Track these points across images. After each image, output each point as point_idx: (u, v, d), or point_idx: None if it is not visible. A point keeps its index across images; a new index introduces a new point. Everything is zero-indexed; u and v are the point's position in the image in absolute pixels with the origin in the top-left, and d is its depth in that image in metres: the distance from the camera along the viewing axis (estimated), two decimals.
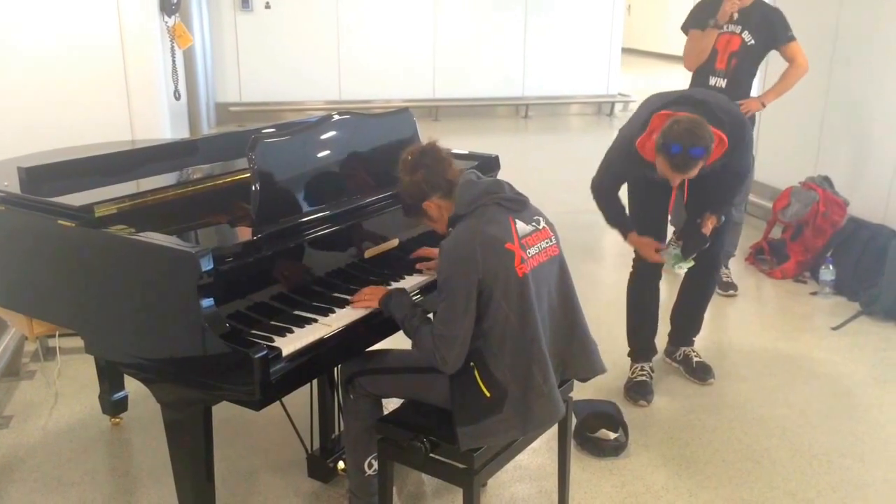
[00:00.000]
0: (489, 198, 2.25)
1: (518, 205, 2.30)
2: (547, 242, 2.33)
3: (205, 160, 2.82)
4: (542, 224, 2.35)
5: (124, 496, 2.81)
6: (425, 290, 2.57)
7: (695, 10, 4.32)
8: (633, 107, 11.65)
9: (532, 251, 2.26)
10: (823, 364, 3.87)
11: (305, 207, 2.44)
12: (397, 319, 2.31)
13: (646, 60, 16.25)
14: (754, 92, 4.55)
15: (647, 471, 2.98)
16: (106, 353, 2.37)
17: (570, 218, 6.28)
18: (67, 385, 3.54)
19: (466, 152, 3.28)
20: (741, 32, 4.15)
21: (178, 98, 4.14)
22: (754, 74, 4.33)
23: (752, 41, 4.14)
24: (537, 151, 9.14)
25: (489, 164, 3.17)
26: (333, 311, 2.34)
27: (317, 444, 2.89)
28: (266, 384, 2.00)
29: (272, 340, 2.13)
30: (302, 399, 2.76)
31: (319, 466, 2.84)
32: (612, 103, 11.21)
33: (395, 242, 2.71)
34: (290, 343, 2.14)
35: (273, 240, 2.27)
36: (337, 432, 2.90)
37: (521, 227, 2.26)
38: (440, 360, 2.19)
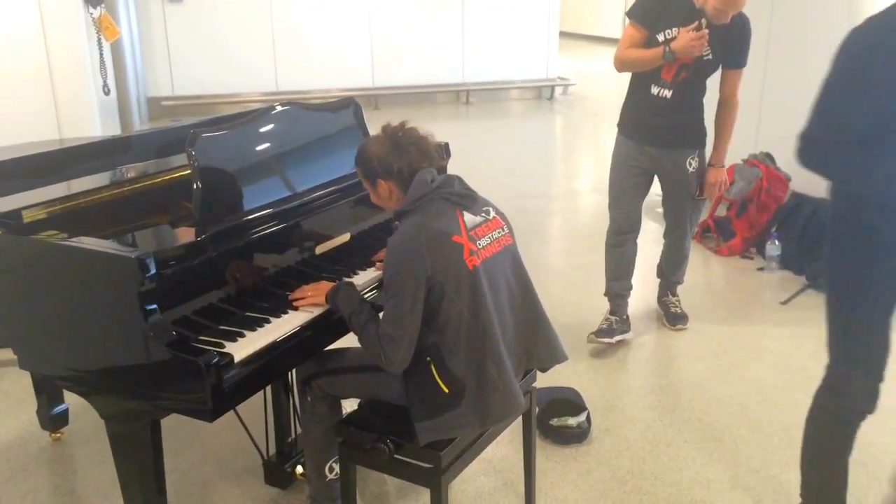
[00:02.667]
0: (436, 193, 2.17)
1: (467, 199, 2.22)
2: (499, 232, 2.26)
3: (139, 158, 2.66)
4: (493, 214, 2.28)
5: None
6: (379, 286, 2.48)
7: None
8: (573, 90, 11.72)
9: (483, 242, 2.19)
10: (775, 339, 3.91)
11: (251, 204, 2.32)
12: (344, 315, 2.21)
13: (583, 44, 16.32)
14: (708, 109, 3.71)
15: (611, 456, 2.95)
16: (41, 368, 2.22)
17: (516, 203, 6.26)
18: (1, 400, 3.35)
19: None
20: None
21: (107, 93, 3.91)
22: (703, 92, 3.61)
23: (710, 56, 3.42)
24: (480, 137, 9.08)
25: (445, 152, 3.07)
26: (286, 312, 2.24)
27: (273, 450, 2.78)
28: (218, 393, 1.89)
29: (222, 346, 2.02)
30: (255, 403, 2.63)
31: (277, 472, 2.73)
32: (552, 87, 11.22)
33: (346, 237, 2.61)
34: (242, 348, 2.03)
35: (218, 240, 2.15)
36: (294, 435, 2.79)
37: (470, 218, 2.19)
38: (385, 360, 2.11)
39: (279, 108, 2.52)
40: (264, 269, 2.31)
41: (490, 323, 2.15)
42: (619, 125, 3.79)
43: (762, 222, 5.01)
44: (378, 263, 2.59)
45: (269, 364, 2.09)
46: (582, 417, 3.08)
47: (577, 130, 9.91)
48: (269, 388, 2.68)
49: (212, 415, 1.91)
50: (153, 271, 1.88)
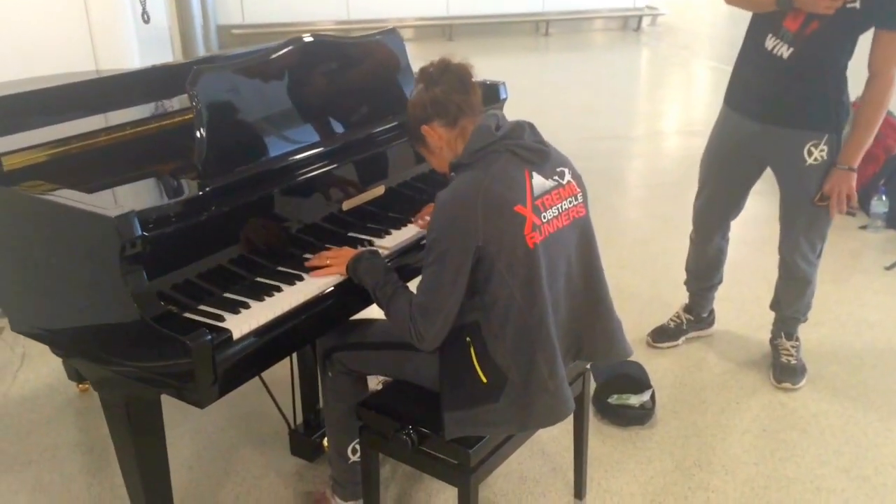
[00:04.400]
0: (501, 144, 1.83)
1: (538, 155, 1.87)
2: (571, 202, 1.90)
3: (144, 97, 2.39)
4: (567, 177, 1.92)
5: (86, 477, 2.50)
6: (413, 250, 2.17)
7: None
8: (662, 21, 10.93)
9: (549, 214, 1.84)
10: (876, 309, 3.44)
11: (265, 153, 2.03)
12: (368, 287, 1.92)
13: None
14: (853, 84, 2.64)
15: (676, 443, 2.61)
16: (24, 329, 2.00)
17: (591, 145, 5.82)
18: (35, 344, 3.22)
19: None
20: None
21: (146, 20, 3.66)
22: (845, 56, 2.56)
23: (856, 3, 2.42)
24: (558, 72, 8.56)
25: (493, 93, 2.70)
26: (301, 279, 1.95)
27: (301, 418, 2.56)
28: (210, 377, 1.64)
29: (222, 319, 1.75)
30: (281, 367, 2.39)
31: (303, 443, 2.52)
32: (640, 17, 10.49)
33: (380, 190, 2.30)
34: (244, 322, 1.76)
35: (225, 194, 1.87)
36: (322, 404, 2.55)
37: (539, 182, 1.84)
38: (416, 335, 1.82)
39: (304, 40, 2.19)
40: (280, 228, 2.03)
41: (545, 312, 1.82)
42: (727, 91, 2.85)
43: (868, 174, 4.44)
44: (421, 221, 2.27)
45: (276, 340, 1.82)
46: (646, 396, 2.74)
47: (664, 65, 9.24)
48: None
49: (202, 402, 1.66)
50: (137, 233, 1.61)
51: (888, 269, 3.82)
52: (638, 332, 3.19)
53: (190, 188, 1.86)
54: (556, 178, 1.89)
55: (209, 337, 1.64)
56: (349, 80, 2.32)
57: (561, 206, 1.88)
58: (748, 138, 2.75)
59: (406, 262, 2.15)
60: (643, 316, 3.34)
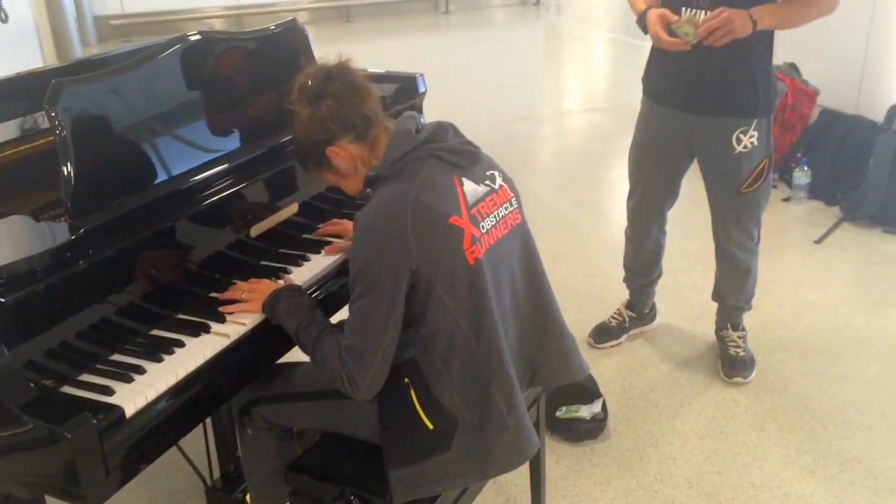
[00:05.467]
0: (424, 150, 1.56)
1: (466, 158, 1.61)
2: (506, 208, 1.67)
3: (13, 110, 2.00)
4: (499, 181, 1.67)
5: None
6: (335, 278, 1.88)
7: None
8: None
9: (487, 224, 1.60)
10: (813, 288, 3.36)
11: (151, 179, 1.70)
12: (288, 330, 1.63)
13: None
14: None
15: (634, 457, 2.43)
16: None
17: (504, 129, 5.60)
18: None
19: (376, 71, 2.52)
20: None
21: (4, 20, 3.18)
22: (768, 33, 2.38)
23: None
24: (461, 51, 8.31)
25: (410, 86, 2.42)
26: (208, 328, 1.64)
27: (218, 472, 2.24)
28: (96, 472, 1.31)
29: (110, 392, 1.43)
30: None
31: (222, 501, 2.20)
32: None
33: (293, 209, 1.99)
34: (139, 392, 1.43)
35: (103, 235, 1.53)
36: (242, 464, 2.24)
37: (471, 188, 1.59)
38: (349, 384, 1.54)
39: (190, 38, 1.85)
40: (176, 266, 1.70)
41: (496, 337, 1.58)
42: (644, 82, 2.65)
43: (787, 145, 4.39)
44: (338, 242, 1.98)
45: (184, 409, 1.51)
46: (597, 407, 2.54)
47: (566, 39, 9.12)
48: None
49: (95, 501, 1.34)
50: None
51: (818, 242, 3.75)
52: (577, 332, 2.93)
53: (58, 232, 1.51)
54: (487, 182, 1.65)
55: (94, 420, 1.32)
56: (246, 85, 1.99)
57: (498, 214, 1.64)
58: (674, 129, 2.57)
59: (333, 289, 1.86)
60: (581, 313, 3.15)
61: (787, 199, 4.20)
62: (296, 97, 1.63)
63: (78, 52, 7.22)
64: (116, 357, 1.53)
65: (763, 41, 2.38)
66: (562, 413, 2.54)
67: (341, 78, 1.60)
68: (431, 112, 2.53)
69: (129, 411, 1.39)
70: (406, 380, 1.60)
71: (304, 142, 1.66)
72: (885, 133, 3.93)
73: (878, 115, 4.22)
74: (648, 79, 2.62)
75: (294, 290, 1.68)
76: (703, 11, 2.31)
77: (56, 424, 1.27)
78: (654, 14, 2.34)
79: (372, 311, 1.52)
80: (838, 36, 4.45)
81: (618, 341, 2.98)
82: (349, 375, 1.54)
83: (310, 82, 1.61)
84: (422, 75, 2.45)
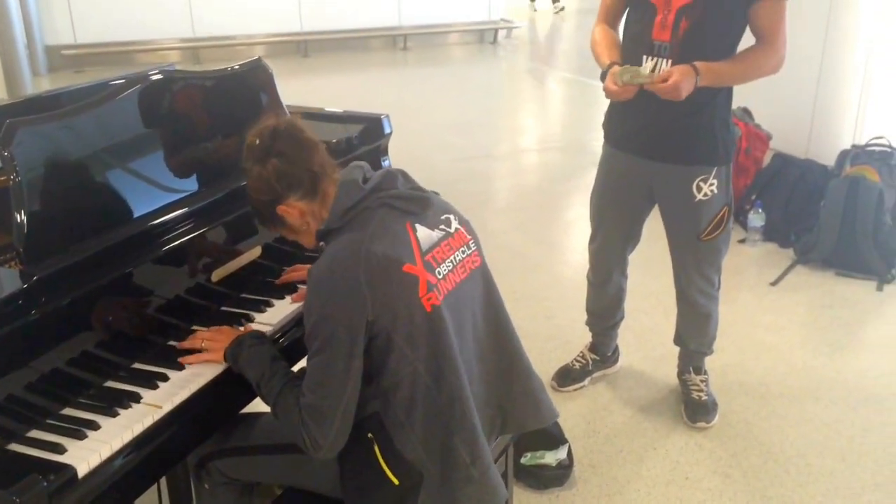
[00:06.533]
0: (374, 199, 1.53)
1: (417, 204, 1.59)
2: (464, 251, 1.64)
3: None
4: (455, 225, 1.65)
5: None
6: (299, 324, 1.83)
7: None
8: (518, 34, 10.98)
9: (443, 269, 1.57)
10: (770, 331, 3.39)
11: (109, 223, 1.63)
12: (250, 381, 1.57)
13: None
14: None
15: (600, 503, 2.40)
16: None
17: (463, 166, 5.60)
18: None
19: (341, 112, 2.50)
20: None
21: None
22: (730, 45, 2.37)
23: None
24: (419, 87, 8.34)
25: (376, 127, 2.39)
26: (167, 378, 1.57)
27: None
28: None
29: (62, 450, 1.35)
30: None
31: None
32: (496, 30, 10.47)
33: (256, 252, 1.94)
34: (93, 450, 1.36)
35: (58, 282, 1.46)
36: None
37: (425, 234, 1.57)
38: (311, 443, 1.49)
39: (151, 77, 1.80)
40: (133, 312, 1.63)
41: (459, 385, 1.55)
42: (605, 128, 2.66)
43: (741, 187, 4.47)
44: (304, 288, 1.93)
45: (140, 466, 1.43)
46: (562, 453, 2.51)
47: (523, 78, 9.23)
48: None
49: None
50: None
51: (773, 284, 3.81)
52: (541, 374, 2.90)
53: (8, 279, 1.44)
54: (442, 227, 1.63)
55: (44, 483, 1.24)
56: (209, 126, 1.94)
57: (454, 258, 1.62)
58: (635, 176, 2.57)
59: (297, 336, 1.81)
60: (543, 355, 3.13)
61: (742, 241, 4.26)
62: (245, 156, 1.60)
63: (28, 82, 7.05)
64: (68, 411, 1.46)
65: (723, 91, 2.41)
66: (527, 459, 2.50)
67: (288, 136, 1.58)
68: (389, 147, 2.51)
69: (82, 471, 1.32)
70: (369, 435, 1.57)
71: (255, 200, 1.63)
72: (836, 178, 4.03)
73: (829, 160, 4.34)
74: (610, 125, 2.64)
75: (257, 337, 1.63)
76: (666, 61, 2.34)
77: (2, 488, 1.19)
78: (613, 72, 2.35)
79: (330, 367, 1.48)
80: (789, 82, 4.56)
81: (581, 384, 2.96)
82: (309, 435, 1.49)
83: (257, 141, 1.58)
84: (387, 116, 2.43)
